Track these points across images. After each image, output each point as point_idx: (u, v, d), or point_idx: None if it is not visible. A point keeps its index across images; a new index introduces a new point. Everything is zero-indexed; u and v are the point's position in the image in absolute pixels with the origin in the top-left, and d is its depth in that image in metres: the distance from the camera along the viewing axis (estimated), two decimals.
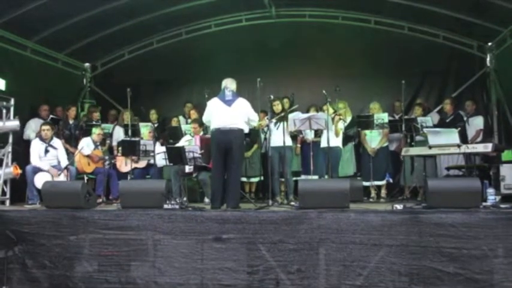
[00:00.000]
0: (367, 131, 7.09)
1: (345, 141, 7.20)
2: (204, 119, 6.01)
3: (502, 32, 7.63)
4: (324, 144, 6.49)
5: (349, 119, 7.09)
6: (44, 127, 6.73)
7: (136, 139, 7.00)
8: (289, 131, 6.46)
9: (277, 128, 6.47)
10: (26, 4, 6.97)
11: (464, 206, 4.56)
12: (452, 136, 5.92)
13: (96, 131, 7.32)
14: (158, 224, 4.90)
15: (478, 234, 4.28)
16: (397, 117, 7.65)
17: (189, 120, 7.86)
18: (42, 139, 6.73)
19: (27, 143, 7.22)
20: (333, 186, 5.02)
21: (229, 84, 5.82)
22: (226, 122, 5.63)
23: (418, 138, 7.01)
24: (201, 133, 6.98)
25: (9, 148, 6.62)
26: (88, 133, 7.53)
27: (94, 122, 8.00)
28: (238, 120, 5.67)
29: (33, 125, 7.38)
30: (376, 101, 7.42)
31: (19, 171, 6.55)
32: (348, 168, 7.30)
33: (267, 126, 6.42)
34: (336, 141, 6.52)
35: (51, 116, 7.46)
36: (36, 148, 6.66)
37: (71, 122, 7.89)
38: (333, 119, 6.53)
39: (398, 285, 4.36)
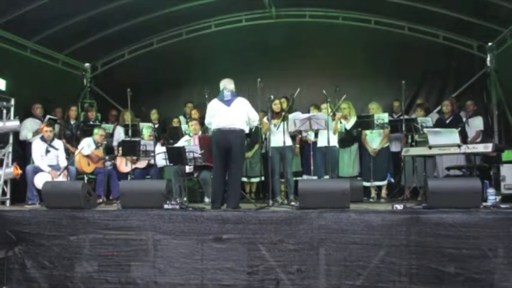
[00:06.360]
0: (367, 132, 7.08)
1: (350, 141, 7.19)
2: (206, 121, 5.99)
3: (502, 32, 7.64)
4: (320, 143, 6.49)
5: (354, 118, 7.09)
6: (46, 128, 6.73)
7: (137, 139, 7.00)
8: (289, 131, 6.46)
9: (278, 128, 6.47)
10: (26, 4, 6.97)
11: (464, 206, 4.55)
12: (452, 136, 5.91)
13: (98, 131, 7.31)
14: (158, 224, 4.90)
15: (478, 234, 4.27)
16: (395, 116, 7.66)
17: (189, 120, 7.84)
18: (43, 139, 6.74)
19: (24, 143, 7.24)
20: (333, 186, 5.02)
21: (227, 85, 5.80)
22: (225, 122, 5.61)
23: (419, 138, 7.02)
24: (200, 132, 6.98)
25: (9, 148, 6.62)
26: (88, 133, 7.53)
27: (91, 122, 8.01)
28: (238, 120, 5.65)
29: (29, 125, 7.36)
30: (376, 101, 7.41)
31: (19, 171, 6.55)
32: (353, 169, 7.29)
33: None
34: (333, 141, 6.51)
35: (48, 116, 7.45)
36: (38, 148, 6.67)
37: (72, 122, 7.89)
38: (332, 116, 6.52)
39: (398, 285, 4.36)
